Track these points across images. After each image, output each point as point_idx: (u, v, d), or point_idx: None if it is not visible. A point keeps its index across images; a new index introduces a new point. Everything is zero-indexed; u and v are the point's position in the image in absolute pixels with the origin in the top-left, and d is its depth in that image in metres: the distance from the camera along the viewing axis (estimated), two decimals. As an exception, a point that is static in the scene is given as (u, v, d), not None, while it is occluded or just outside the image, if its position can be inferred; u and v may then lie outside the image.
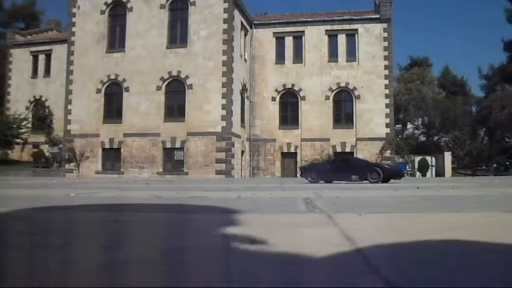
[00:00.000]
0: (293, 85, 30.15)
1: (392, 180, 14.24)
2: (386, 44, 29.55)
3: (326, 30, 30.19)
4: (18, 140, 30.28)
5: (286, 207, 4.52)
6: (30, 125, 31.69)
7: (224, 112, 25.70)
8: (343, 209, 4.11)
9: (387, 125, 29.23)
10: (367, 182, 13.71)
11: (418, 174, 32.10)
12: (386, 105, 29.30)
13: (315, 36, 30.12)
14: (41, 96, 33.12)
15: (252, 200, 5.32)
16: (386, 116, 29.28)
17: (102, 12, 27.55)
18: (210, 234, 2.57)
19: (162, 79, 26.46)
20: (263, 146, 30.06)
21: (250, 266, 1.69)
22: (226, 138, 25.61)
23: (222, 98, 25.80)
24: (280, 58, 30.58)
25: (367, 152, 28.87)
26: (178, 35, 26.94)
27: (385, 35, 29.61)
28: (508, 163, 39.30)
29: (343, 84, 29.65)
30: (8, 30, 36.67)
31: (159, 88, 26.44)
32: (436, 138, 42.12)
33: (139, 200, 5.61)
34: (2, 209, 3.88)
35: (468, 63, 77.62)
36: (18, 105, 32.82)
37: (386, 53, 29.50)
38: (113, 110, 27.18)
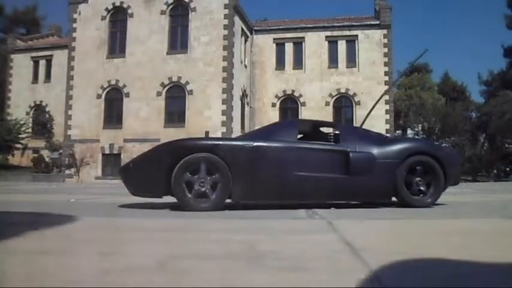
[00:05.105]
0: (293, 91, 30.19)
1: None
2: (386, 50, 29.61)
3: (326, 36, 30.26)
4: (18, 145, 30.29)
5: (285, 213, 4.52)
6: (30, 130, 31.70)
7: (224, 118, 25.72)
8: (343, 215, 4.11)
9: (387, 131, 29.21)
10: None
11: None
12: (387, 111, 29.32)
13: (315, 42, 30.19)
14: (41, 102, 33.15)
15: (251, 206, 5.32)
16: (387, 121, 29.30)
17: (103, 18, 27.64)
18: (209, 240, 2.58)
19: (163, 85, 26.49)
20: (263, 151, 29.98)
21: (250, 273, 1.69)
22: (227, 143, 25.56)
23: (222, 103, 25.82)
24: (280, 64, 30.63)
25: (367, 158, 28.88)
26: (178, 40, 27.00)
27: (385, 41, 29.69)
28: (508, 169, 39.21)
29: (343, 90, 29.69)
30: (9, 36, 36.75)
31: (159, 94, 26.48)
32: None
33: (139, 205, 5.61)
34: (2, 214, 3.89)
35: (468, 69, 77.62)
36: (18, 110, 32.84)
37: (386, 59, 29.55)
38: (113, 115, 27.19)
